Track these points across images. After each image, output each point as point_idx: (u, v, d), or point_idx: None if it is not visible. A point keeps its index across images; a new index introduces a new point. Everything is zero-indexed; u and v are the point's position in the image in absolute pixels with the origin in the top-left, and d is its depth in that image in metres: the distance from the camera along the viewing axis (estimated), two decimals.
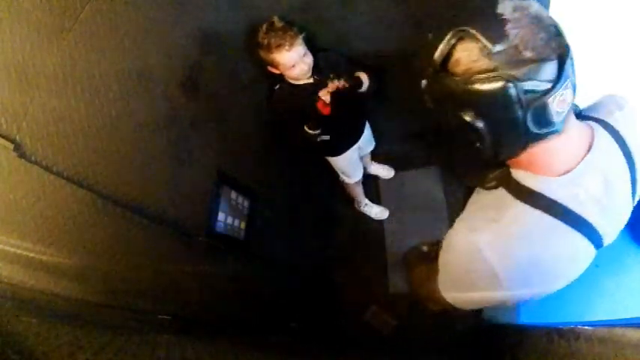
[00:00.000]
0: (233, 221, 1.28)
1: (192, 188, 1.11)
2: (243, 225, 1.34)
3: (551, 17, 0.53)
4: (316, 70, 1.37)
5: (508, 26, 0.50)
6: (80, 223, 0.76)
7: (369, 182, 2.17)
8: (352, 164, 1.81)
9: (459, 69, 0.54)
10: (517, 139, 0.55)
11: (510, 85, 0.50)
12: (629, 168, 0.63)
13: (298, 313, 1.75)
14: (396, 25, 1.45)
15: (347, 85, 1.32)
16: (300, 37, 1.29)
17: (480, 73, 0.52)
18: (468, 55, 0.53)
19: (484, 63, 0.51)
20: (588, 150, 0.59)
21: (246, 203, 1.37)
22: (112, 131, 0.84)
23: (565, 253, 0.61)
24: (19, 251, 0.66)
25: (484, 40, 0.51)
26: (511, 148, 0.58)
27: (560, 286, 0.63)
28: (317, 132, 1.41)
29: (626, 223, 0.66)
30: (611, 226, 0.62)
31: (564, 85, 0.51)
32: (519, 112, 0.52)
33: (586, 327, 0.78)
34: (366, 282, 2.08)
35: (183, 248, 1.06)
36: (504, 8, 0.52)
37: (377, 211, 2.16)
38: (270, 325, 1.49)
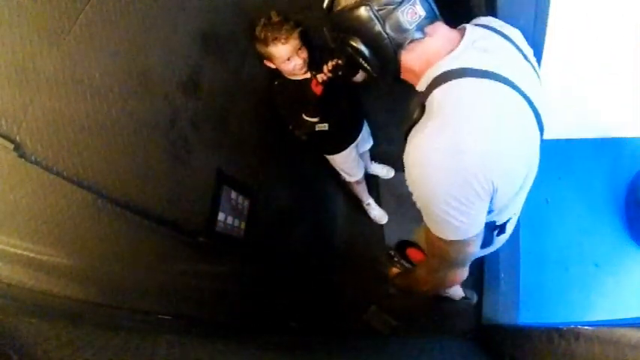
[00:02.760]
0: (233, 221, 1.28)
1: (192, 188, 1.11)
2: (243, 225, 1.34)
3: None
4: (314, 66, 1.37)
5: None
6: (80, 223, 0.76)
7: (369, 182, 2.18)
8: (351, 162, 1.81)
9: (339, 8, 0.71)
10: (387, 49, 0.70)
11: (366, 7, 0.67)
12: (515, 46, 0.75)
13: (298, 313, 1.75)
14: None
15: (341, 63, 1.27)
16: (297, 31, 1.30)
17: (348, 6, 0.69)
18: None
19: None
20: (462, 38, 0.71)
21: (246, 203, 1.37)
22: (112, 131, 0.84)
23: (495, 101, 0.66)
24: (19, 251, 0.66)
25: None
26: (389, 60, 0.72)
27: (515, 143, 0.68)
28: (315, 119, 1.41)
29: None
30: (521, 77, 0.70)
31: (411, 1, 0.67)
32: (379, 26, 0.68)
33: (586, 327, 0.78)
34: (366, 282, 2.08)
35: (183, 248, 1.06)
36: None
37: (377, 214, 2.16)
38: (270, 325, 1.49)
